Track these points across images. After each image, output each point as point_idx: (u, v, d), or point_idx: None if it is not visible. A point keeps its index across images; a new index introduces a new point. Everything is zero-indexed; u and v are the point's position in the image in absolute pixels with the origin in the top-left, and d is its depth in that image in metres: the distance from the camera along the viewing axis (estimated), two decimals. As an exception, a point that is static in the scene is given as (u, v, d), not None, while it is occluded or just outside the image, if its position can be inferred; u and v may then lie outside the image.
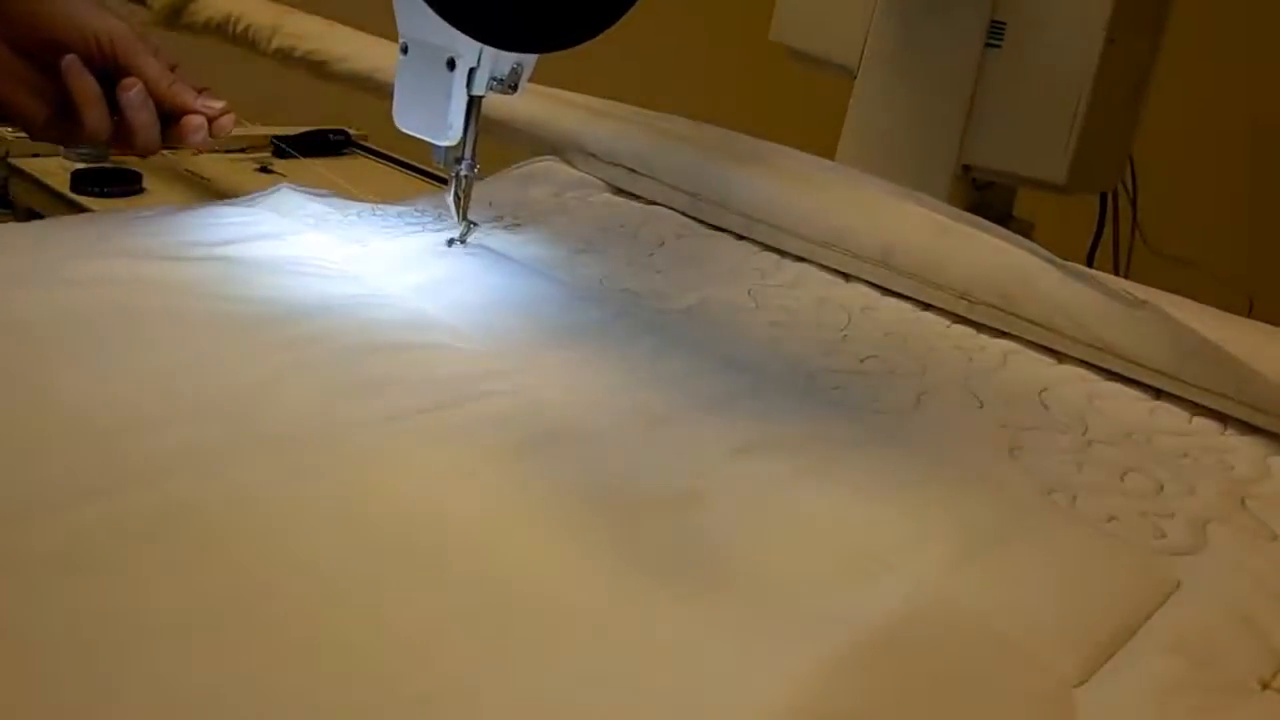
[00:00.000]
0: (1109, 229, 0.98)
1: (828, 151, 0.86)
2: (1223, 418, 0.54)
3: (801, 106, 1.08)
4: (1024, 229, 0.90)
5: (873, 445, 0.47)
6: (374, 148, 1.06)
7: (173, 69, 0.64)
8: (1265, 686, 0.36)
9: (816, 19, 0.91)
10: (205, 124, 0.64)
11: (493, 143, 0.77)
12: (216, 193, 0.85)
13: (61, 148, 0.98)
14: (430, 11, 0.48)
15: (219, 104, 0.65)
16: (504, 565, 0.36)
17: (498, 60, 0.59)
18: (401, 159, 1.03)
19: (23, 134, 0.98)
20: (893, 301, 0.64)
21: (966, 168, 0.84)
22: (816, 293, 0.64)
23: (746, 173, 0.72)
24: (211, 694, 0.29)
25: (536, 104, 0.80)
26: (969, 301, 0.62)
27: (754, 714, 0.31)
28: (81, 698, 0.28)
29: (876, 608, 0.36)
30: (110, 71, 0.62)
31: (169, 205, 0.63)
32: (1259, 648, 0.37)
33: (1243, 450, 0.51)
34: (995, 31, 0.81)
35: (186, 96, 0.64)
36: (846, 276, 0.67)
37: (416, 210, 0.69)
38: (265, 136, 0.97)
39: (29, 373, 0.43)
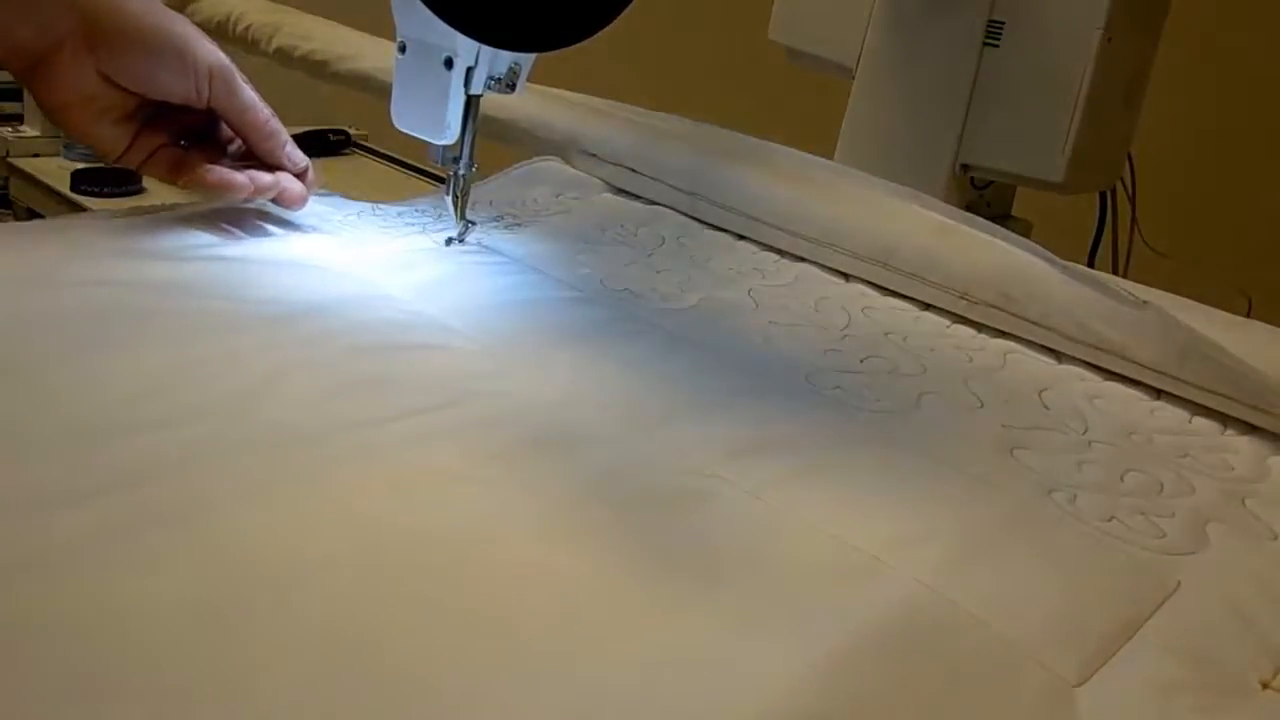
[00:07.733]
0: (1108, 228, 0.98)
1: (826, 151, 0.86)
2: (1223, 418, 0.54)
3: (800, 106, 1.08)
4: (1022, 228, 0.90)
5: (873, 445, 0.47)
6: (374, 147, 1.06)
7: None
8: (1265, 686, 0.36)
9: (814, 18, 0.91)
10: (303, 189, 0.62)
11: (493, 143, 0.77)
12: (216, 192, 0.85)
13: (62, 148, 0.98)
14: (427, 11, 0.48)
15: (302, 160, 0.62)
16: (503, 564, 0.36)
17: (495, 59, 0.59)
18: (401, 159, 1.03)
19: (22, 134, 0.98)
20: (893, 301, 0.64)
21: (965, 167, 0.84)
22: (816, 293, 0.64)
23: (746, 172, 0.71)
24: (210, 691, 0.29)
25: (536, 104, 0.80)
26: (969, 301, 0.62)
27: (753, 714, 0.31)
28: (81, 696, 0.28)
29: (876, 607, 0.36)
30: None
31: (168, 205, 0.63)
32: (1259, 648, 0.37)
33: (1243, 450, 0.51)
34: (993, 31, 0.81)
35: (279, 152, 0.61)
36: (846, 276, 0.67)
37: (416, 210, 0.69)
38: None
39: (28, 372, 0.43)
